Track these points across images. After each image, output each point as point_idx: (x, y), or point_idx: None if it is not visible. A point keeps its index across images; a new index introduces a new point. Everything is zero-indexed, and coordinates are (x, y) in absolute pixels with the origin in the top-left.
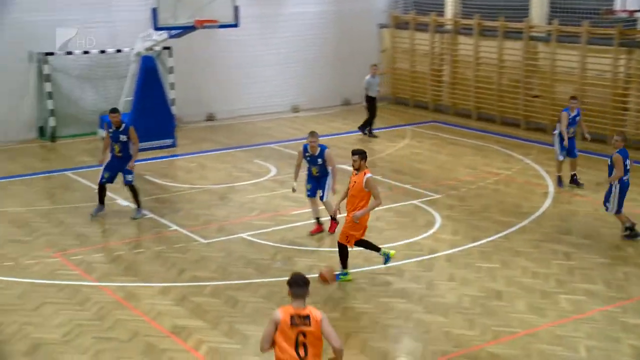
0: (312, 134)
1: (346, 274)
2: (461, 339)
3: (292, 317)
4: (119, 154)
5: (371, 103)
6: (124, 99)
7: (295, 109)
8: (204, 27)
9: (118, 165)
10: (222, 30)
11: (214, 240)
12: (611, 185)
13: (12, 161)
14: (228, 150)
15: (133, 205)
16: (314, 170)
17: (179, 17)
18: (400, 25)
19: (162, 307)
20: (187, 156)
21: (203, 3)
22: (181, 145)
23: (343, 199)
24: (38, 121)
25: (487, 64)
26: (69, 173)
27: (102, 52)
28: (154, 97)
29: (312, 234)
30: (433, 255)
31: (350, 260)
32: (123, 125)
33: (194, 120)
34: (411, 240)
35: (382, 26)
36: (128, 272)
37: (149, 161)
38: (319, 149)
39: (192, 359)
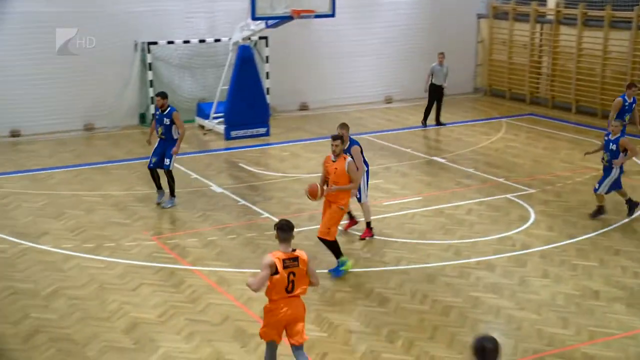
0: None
1: (345, 262)
2: (554, 337)
3: (284, 261)
4: (162, 137)
5: (435, 92)
6: (221, 87)
7: (388, 100)
8: (301, 17)
9: (161, 148)
10: (317, 20)
11: (304, 229)
12: (612, 169)
13: (116, 146)
14: (320, 140)
15: (166, 192)
16: None
17: (276, 7)
18: (499, 15)
19: (252, 292)
20: (280, 145)
21: None
22: (274, 134)
23: (323, 186)
24: (139, 108)
25: (590, 55)
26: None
27: (202, 41)
28: (249, 86)
29: (345, 229)
30: (526, 251)
31: (440, 254)
32: (168, 109)
33: (288, 109)
34: (503, 235)
35: (481, 16)
36: (220, 257)
37: (243, 149)
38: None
39: (280, 345)
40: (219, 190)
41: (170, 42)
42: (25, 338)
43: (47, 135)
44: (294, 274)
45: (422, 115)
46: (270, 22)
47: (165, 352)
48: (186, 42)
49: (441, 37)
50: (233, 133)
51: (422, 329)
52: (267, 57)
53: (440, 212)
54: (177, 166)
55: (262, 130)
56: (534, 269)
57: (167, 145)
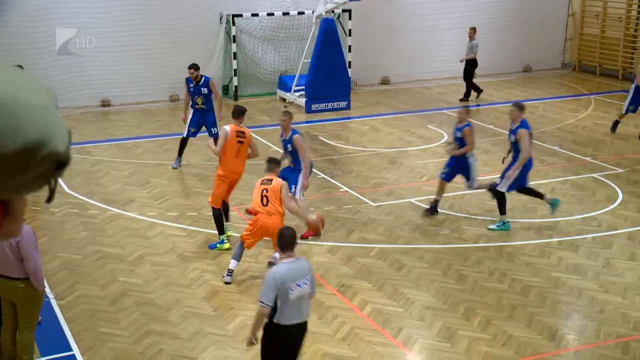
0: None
1: (223, 242)
2: None
3: (262, 181)
4: (203, 106)
5: (466, 66)
6: (303, 61)
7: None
8: None
9: (201, 117)
10: None
11: (383, 203)
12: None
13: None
14: (401, 115)
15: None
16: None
17: None
18: None
19: (330, 265)
20: (360, 119)
21: None
22: (355, 107)
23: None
24: (224, 80)
25: None
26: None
27: (285, 14)
28: (332, 59)
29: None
30: (612, 232)
31: (521, 232)
32: (202, 78)
33: (369, 83)
34: (588, 214)
35: None
36: (298, 230)
37: (323, 122)
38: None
39: (356, 317)
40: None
41: (254, 15)
42: (113, 300)
43: (135, 106)
44: (266, 191)
45: (506, 91)
46: None
47: (243, 320)
48: (270, 14)
49: (530, 10)
50: (314, 106)
51: (500, 308)
52: (349, 30)
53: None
54: (260, 138)
55: (343, 104)
56: (619, 250)
57: (206, 115)
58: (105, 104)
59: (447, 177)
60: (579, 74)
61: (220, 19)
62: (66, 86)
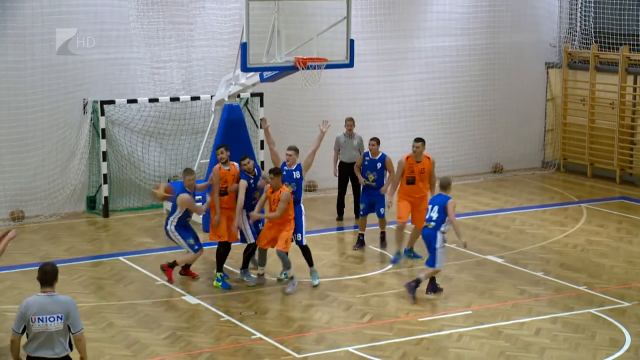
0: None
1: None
2: None
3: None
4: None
5: (346, 172)
6: (199, 162)
7: None
8: (308, 68)
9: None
10: (330, 72)
11: (310, 354)
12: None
13: (53, 242)
14: (332, 232)
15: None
16: None
17: (275, 55)
18: (575, 64)
19: None
20: None
21: (307, 37)
22: None
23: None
24: (88, 190)
25: None
26: (122, 258)
27: (174, 99)
28: (238, 158)
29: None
30: None
31: None
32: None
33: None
34: None
35: (550, 65)
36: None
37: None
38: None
39: None
40: (194, 301)
41: (131, 101)
42: None
43: None
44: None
45: (470, 198)
46: (266, 74)
47: None
48: (153, 100)
49: (493, 94)
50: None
51: None
52: (263, 119)
53: (498, 332)
54: (136, 267)
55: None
56: None
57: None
58: None
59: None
60: (565, 176)
61: (85, 106)
62: None
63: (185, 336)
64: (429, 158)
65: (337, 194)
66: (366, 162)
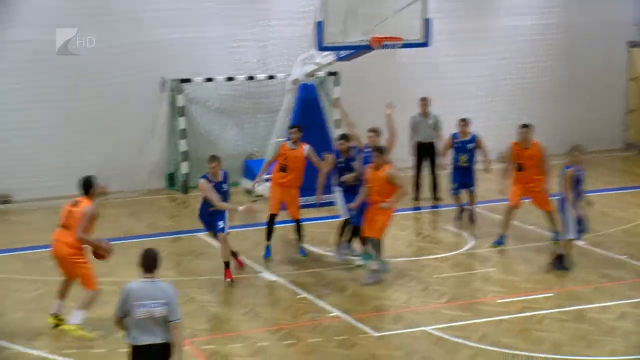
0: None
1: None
2: None
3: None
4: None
5: (422, 152)
6: (275, 140)
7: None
8: (383, 47)
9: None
10: (405, 51)
11: (388, 333)
12: None
13: (134, 217)
14: (410, 212)
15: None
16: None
17: (350, 34)
18: None
19: None
20: None
21: (383, 16)
22: None
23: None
24: (167, 167)
25: None
26: (200, 235)
27: (250, 78)
28: (313, 137)
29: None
30: None
31: None
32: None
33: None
34: None
35: (634, 44)
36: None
37: (305, 222)
38: None
39: None
40: (272, 278)
41: (208, 80)
42: None
43: (45, 202)
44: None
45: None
46: (342, 53)
47: None
48: (230, 79)
49: (572, 74)
50: None
51: None
52: (337, 99)
53: (581, 315)
54: (213, 243)
55: (330, 196)
56: None
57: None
58: (3, 200)
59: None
60: None
61: (162, 85)
62: None
63: (264, 312)
64: (537, 144)
65: (413, 174)
66: (456, 144)
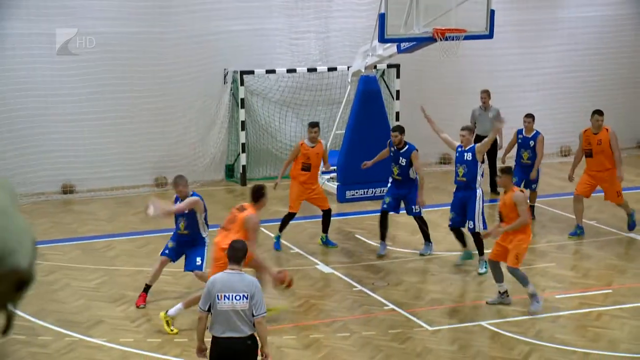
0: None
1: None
2: None
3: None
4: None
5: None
6: (335, 132)
7: (565, 152)
8: (446, 39)
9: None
10: (468, 43)
11: (443, 327)
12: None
13: None
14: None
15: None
16: None
17: (413, 26)
18: None
19: None
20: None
21: (446, 7)
22: None
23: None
24: (227, 158)
25: None
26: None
27: (311, 70)
28: (373, 130)
29: None
30: None
31: None
32: (406, 146)
33: (424, 162)
34: None
35: None
36: None
37: (360, 215)
38: None
39: None
40: (327, 270)
41: (270, 72)
42: None
43: (107, 192)
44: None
45: None
46: (404, 45)
47: None
48: (291, 71)
49: (638, 66)
50: (349, 193)
51: None
52: (397, 92)
53: None
54: (270, 234)
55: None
56: None
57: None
58: (67, 190)
59: None
60: None
61: (225, 77)
62: (17, 166)
63: (319, 304)
64: (607, 130)
65: None
66: (520, 140)
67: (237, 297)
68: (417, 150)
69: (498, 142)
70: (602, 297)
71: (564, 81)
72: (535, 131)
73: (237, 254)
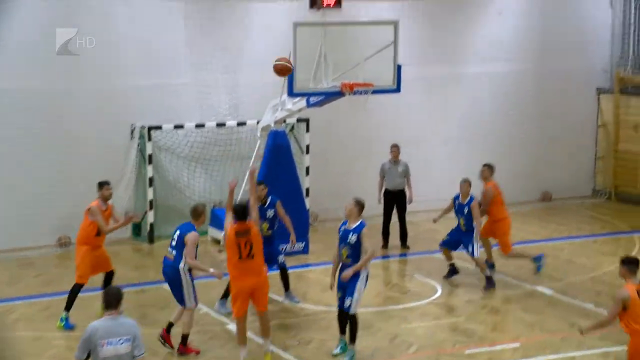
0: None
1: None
2: None
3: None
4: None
5: (391, 200)
6: (244, 188)
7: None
8: (354, 93)
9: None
10: (376, 97)
11: None
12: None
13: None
14: (378, 260)
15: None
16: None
17: (321, 80)
18: (628, 90)
19: None
20: (321, 266)
21: (354, 62)
22: (315, 251)
23: None
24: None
25: None
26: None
27: (220, 125)
28: (283, 185)
29: None
30: None
31: None
32: (269, 199)
33: (334, 217)
34: None
35: (602, 91)
36: None
37: (272, 272)
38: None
39: None
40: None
41: (178, 127)
42: None
43: (7, 254)
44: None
45: (518, 227)
46: (313, 99)
47: None
48: (199, 126)
49: (542, 120)
50: None
51: None
52: (307, 146)
53: None
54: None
55: (300, 246)
56: None
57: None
58: None
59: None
60: (617, 205)
61: (132, 132)
62: None
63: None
64: (488, 185)
65: (382, 222)
66: (456, 207)
67: (121, 341)
68: (280, 200)
69: (408, 195)
70: (511, 351)
71: (469, 135)
72: (470, 196)
73: (112, 300)
